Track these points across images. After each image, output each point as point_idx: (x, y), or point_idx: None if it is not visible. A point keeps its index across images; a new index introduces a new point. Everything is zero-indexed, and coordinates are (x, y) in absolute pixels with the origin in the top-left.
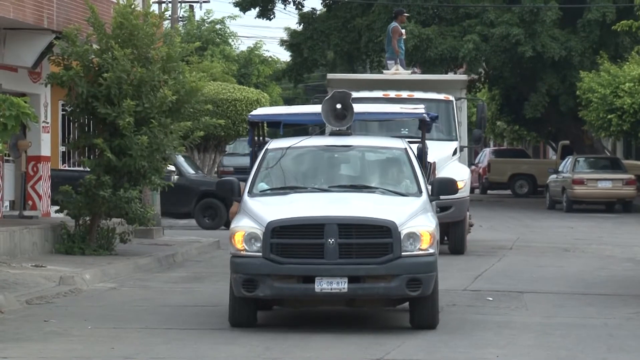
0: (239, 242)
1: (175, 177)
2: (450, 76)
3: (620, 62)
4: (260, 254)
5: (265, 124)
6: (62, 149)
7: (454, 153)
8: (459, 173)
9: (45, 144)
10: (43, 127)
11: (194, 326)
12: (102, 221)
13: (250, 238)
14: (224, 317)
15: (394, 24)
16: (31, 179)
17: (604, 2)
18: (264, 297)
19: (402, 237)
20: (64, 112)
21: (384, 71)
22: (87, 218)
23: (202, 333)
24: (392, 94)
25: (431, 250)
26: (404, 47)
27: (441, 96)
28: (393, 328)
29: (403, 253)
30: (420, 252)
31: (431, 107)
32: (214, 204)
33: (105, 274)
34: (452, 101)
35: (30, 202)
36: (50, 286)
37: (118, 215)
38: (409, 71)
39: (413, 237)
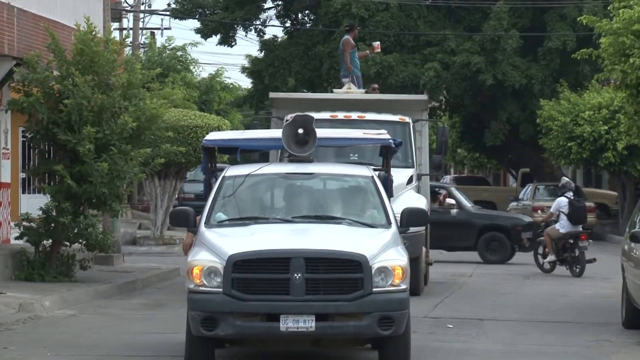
0: (197, 277)
1: (455, 211)
2: (408, 96)
3: (580, 91)
4: (221, 289)
5: (217, 150)
6: (22, 175)
7: (409, 181)
8: (414, 204)
9: (5, 170)
10: (3, 153)
11: (154, 353)
12: (62, 248)
13: (209, 272)
14: (183, 344)
15: (346, 36)
16: None
17: (564, 31)
18: (224, 336)
19: (373, 272)
20: (24, 139)
21: (335, 90)
22: (47, 244)
23: None
24: (340, 115)
25: (403, 286)
26: (358, 62)
27: (396, 118)
28: None
29: (374, 289)
30: (392, 288)
31: (385, 130)
32: (498, 237)
33: (65, 301)
34: (408, 123)
35: None
36: (10, 313)
37: (78, 242)
38: (363, 90)
39: (385, 271)
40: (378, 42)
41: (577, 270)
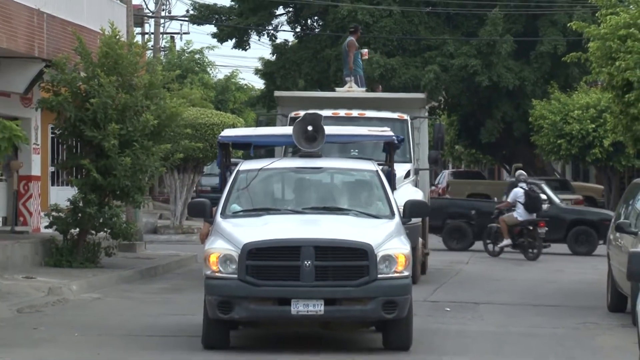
0: (213, 264)
1: (546, 206)
2: (406, 94)
3: (569, 92)
4: (236, 275)
5: (231, 145)
6: (51, 169)
7: (407, 176)
8: (412, 197)
9: (35, 164)
10: (34, 148)
11: (173, 333)
12: (88, 236)
13: (225, 260)
14: (200, 326)
15: (350, 38)
16: (22, 197)
17: (555, 36)
18: (239, 319)
19: (378, 259)
20: (53, 135)
21: (337, 89)
22: (75, 233)
23: (181, 340)
24: (342, 112)
25: (406, 273)
26: (361, 62)
27: (395, 115)
28: (365, 349)
29: (379, 276)
30: (396, 275)
31: (385, 126)
32: (586, 231)
33: (91, 285)
34: (406, 120)
35: (21, 219)
36: (40, 296)
37: (103, 231)
38: (363, 89)
39: (389, 259)
40: (366, 50)
41: (532, 254)
